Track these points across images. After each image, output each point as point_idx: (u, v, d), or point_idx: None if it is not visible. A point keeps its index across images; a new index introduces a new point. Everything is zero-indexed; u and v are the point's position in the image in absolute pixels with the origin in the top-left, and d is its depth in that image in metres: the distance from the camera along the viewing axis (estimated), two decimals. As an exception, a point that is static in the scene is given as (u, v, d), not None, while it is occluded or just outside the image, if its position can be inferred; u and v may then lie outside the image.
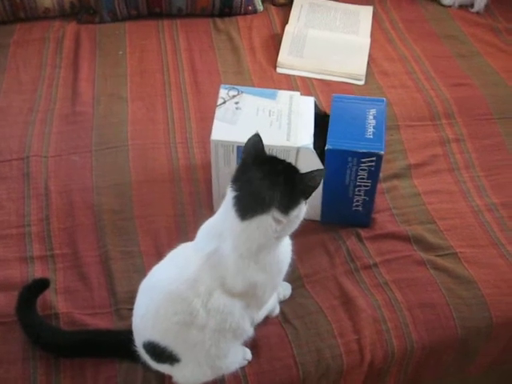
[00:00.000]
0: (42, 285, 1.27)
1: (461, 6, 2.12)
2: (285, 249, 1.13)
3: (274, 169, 1.05)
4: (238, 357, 1.18)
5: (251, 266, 1.06)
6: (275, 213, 1.02)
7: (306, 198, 1.06)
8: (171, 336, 1.09)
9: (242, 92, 1.41)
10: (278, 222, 1.03)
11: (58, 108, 1.70)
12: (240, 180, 1.06)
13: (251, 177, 1.04)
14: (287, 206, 1.03)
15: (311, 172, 1.04)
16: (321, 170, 1.06)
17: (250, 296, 1.10)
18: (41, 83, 1.77)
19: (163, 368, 1.15)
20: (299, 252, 1.31)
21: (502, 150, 1.64)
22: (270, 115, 1.36)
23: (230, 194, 1.06)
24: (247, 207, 1.04)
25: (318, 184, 1.05)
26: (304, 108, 1.40)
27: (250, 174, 1.05)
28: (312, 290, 1.33)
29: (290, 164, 1.09)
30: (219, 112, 1.37)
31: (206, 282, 1.06)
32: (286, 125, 1.34)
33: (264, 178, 1.03)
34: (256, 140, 1.08)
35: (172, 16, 2.00)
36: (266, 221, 1.03)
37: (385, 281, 1.34)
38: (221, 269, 1.07)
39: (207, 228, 1.12)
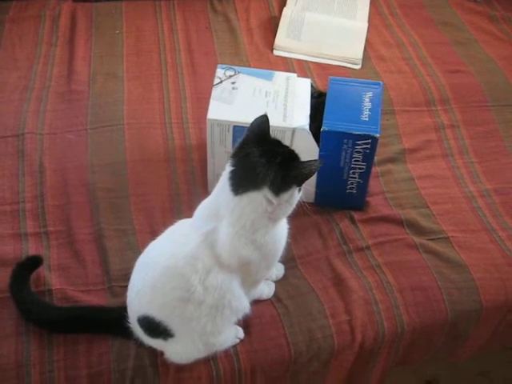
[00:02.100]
0: (35, 262, 1.27)
1: (459, -7, 2.12)
2: (281, 231, 1.13)
3: (273, 150, 1.06)
4: (231, 335, 1.19)
5: (247, 244, 1.07)
6: (266, 192, 1.03)
7: (298, 184, 1.07)
8: (167, 311, 1.10)
9: (238, 72, 1.41)
10: (268, 201, 1.04)
11: (54, 86, 1.69)
12: (238, 156, 1.07)
13: (249, 154, 1.05)
14: (278, 188, 1.04)
15: (309, 161, 1.05)
16: (318, 160, 1.07)
17: (244, 273, 1.11)
18: (36, 61, 1.76)
19: (156, 343, 1.16)
20: (293, 233, 1.32)
21: (495, 137, 1.65)
22: (266, 96, 1.36)
23: (227, 169, 1.07)
24: (241, 182, 1.05)
25: (312, 173, 1.06)
26: (300, 89, 1.40)
27: (249, 151, 1.05)
28: (305, 271, 1.33)
29: (291, 150, 1.10)
30: (216, 91, 1.37)
31: (204, 260, 1.07)
32: (282, 106, 1.34)
33: (261, 157, 1.04)
34: (263, 120, 1.09)
35: (169, -4, 1.99)
36: (257, 198, 1.04)
37: (377, 263, 1.35)
38: (218, 246, 1.07)
39: (205, 206, 1.13)
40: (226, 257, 1.07)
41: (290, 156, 1.07)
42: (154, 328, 1.11)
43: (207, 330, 1.11)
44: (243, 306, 1.15)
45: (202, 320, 1.10)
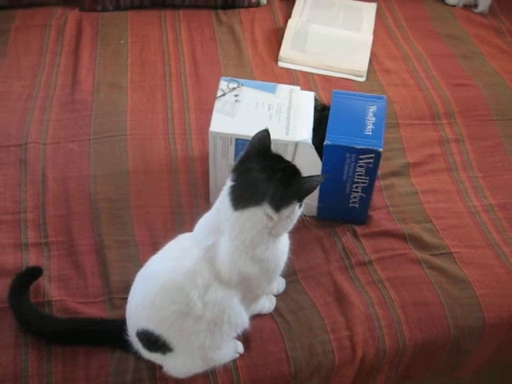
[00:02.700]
0: (34, 273, 1.27)
1: (465, 6, 2.11)
2: (282, 247, 1.13)
3: (274, 165, 1.05)
4: (230, 349, 1.18)
5: (247, 259, 1.07)
6: (267, 208, 1.03)
7: (299, 199, 1.06)
8: (166, 325, 1.09)
9: (241, 84, 1.41)
10: (268, 217, 1.04)
11: (58, 95, 1.69)
12: (239, 171, 1.06)
13: (250, 169, 1.05)
14: (279, 204, 1.03)
15: (310, 176, 1.05)
16: (319, 175, 1.06)
17: (244, 289, 1.10)
18: (41, 70, 1.76)
19: (155, 357, 1.15)
20: (294, 247, 1.32)
21: (500, 152, 1.64)
22: (269, 109, 1.36)
23: (227, 184, 1.06)
24: (241, 197, 1.04)
25: (313, 189, 1.05)
26: (304, 103, 1.39)
27: (250, 166, 1.05)
28: (306, 286, 1.32)
29: (292, 165, 1.09)
30: (218, 104, 1.37)
31: (204, 275, 1.06)
32: (285, 119, 1.34)
33: (262, 172, 1.03)
34: (264, 135, 1.09)
35: (175, 6, 1.99)
36: (257, 214, 1.03)
37: (379, 278, 1.33)
38: (218, 262, 1.07)
39: (206, 221, 1.12)
40: (225, 272, 1.07)
41: (290, 171, 1.07)
42: (153, 342, 1.10)
43: (206, 345, 1.11)
44: (243, 321, 1.15)
45: (201, 335, 1.09)
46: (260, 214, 1.03)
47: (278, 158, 1.09)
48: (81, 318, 1.23)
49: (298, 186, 1.04)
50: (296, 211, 1.07)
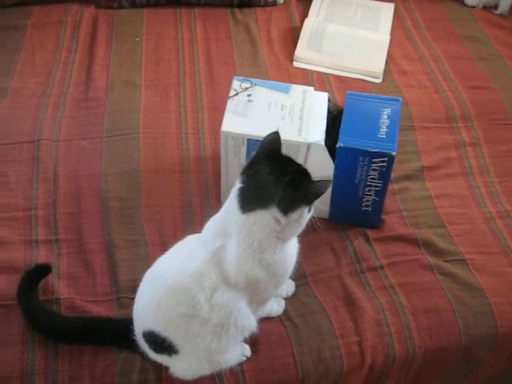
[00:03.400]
0: (43, 270, 1.26)
1: (485, 7, 2.08)
2: (290, 250, 1.11)
3: (283, 168, 1.04)
4: (237, 352, 1.17)
5: (254, 263, 1.05)
6: (274, 211, 1.01)
7: (308, 203, 1.04)
8: (172, 327, 1.08)
9: (254, 84, 1.39)
10: (276, 221, 1.02)
11: (72, 92, 1.69)
12: (248, 173, 1.05)
13: (259, 171, 1.03)
14: (287, 207, 1.02)
15: (319, 180, 1.03)
16: (329, 180, 1.05)
17: (252, 292, 1.09)
18: (55, 67, 1.76)
19: (161, 359, 1.15)
20: (305, 250, 1.30)
21: (515, 157, 1.61)
22: (282, 109, 1.34)
23: (236, 186, 1.05)
24: (249, 200, 1.03)
25: (322, 193, 1.04)
26: (317, 104, 1.38)
27: (259, 168, 1.04)
28: (316, 289, 1.31)
29: (302, 168, 1.08)
30: (231, 104, 1.35)
31: (211, 278, 1.05)
32: (298, 120, 1.32)
33: (270, 174, 1.02)
34: (274, 137, 1.07)
35: (191, 5, 1.98)
36: (265, 217, 1.02)
37: (390, 284, 1.32)
38: (225, 265, 1.05)
39: (214, 222, 1.11)
40: (233, 275, 1.06)
41: (300, 174, 1.05)
42: (159, 344, 1.10)
43: (212, 348, 1.10)
44: (250, 324, 1.13)
45: (207, 337, 1.08)
46: (268, 217, 1.02)
47: (288, 161, 1.07)
48: (88, 317, 1.23)
49: (307, 189, 1.03)
50: (305, 215, 1.05)
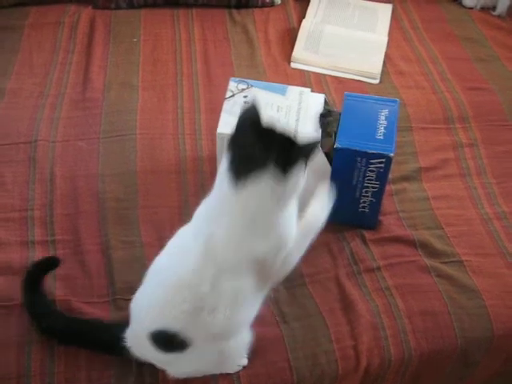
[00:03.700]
0: (51, 263, 1.24)
1: (483, 9, 2.07)
2: (290, 216, 1.05)
3: (271, 133, 0.98)
4: (244, 341, 1.15)
5: (254, 240, 1.01)
6: (273, 172, 0.95)
7: (305, 157, 0.99)
8: (183, 321, 1.05)
9: (251, 86, 1.39)
10: (276, 183, 0.96)
11: (69, 93, 1.69)
12: (234, 146, 1.00)
13: (246, 141, 0.98)
14: (286, 165, 0.96)
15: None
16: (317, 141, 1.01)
17: (259, 271, 1.05)
18: (53, 67, 1.76)
19: (167, 359, 1.12)
20: None
21: (513, 158, 1.61)
22: (278, 111, 1.34)
23: (223, 163, 1.00)
24: (242, 171, 0.97)
25: (316, 146, 1.00)
26: (313, 105, 1.37)
27: (246, 139, 0.98)
28: (313, 291, 1.31)
29: (289, 132, 1.00)
30: (227, 105, 1.35)
31: (209, 269, 1.02)
32: (294, 121, 1.32)
33: (260, 141, 0.97)
34: (252, 107, 1.01)
35: (188, 5, 1.98)
36: (263, 183, 0.96)
37: (387, 285, 1.31)
38: (222, 252, 1.02)
39: (204, 208, 1.07)
40: (232, 259, 1.02)
41: (289, 137, 0.99)
42: (170, 341, 1.07)
43: (224, 332, 1.08)
44: (258, 304, 1.11)
45: (218, 324, 1.06)
46: (266, 181, 0.96)
47: (273, 128, 1.00)
48: (83, 320, 1.22)
49: (302, 144, 0.98)
50: (301, 175, 1.00)
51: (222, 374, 1.17)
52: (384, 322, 1.25)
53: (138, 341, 1.12)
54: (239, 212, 1.00)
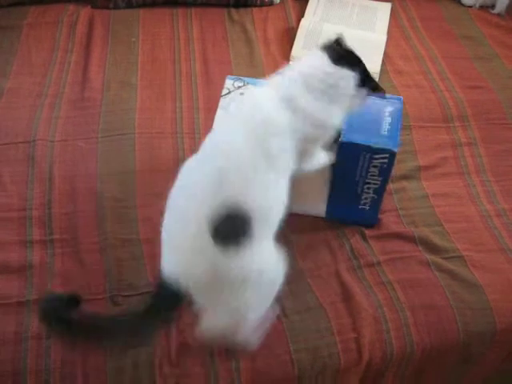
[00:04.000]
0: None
1: (482, 7, 2.07)
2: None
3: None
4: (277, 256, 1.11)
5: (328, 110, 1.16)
6: (355, 75, 1.18)
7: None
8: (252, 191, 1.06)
9: (247, 83, 1.39)
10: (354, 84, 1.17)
11: (67, 93, 1.68)
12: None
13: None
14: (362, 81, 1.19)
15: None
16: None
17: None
18: (51, 67, 1.76)
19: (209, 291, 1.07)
20: (302, 248, 1.33)
21: (512, 156, 1.61)
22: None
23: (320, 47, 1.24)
24: (342, 59, 1.20)
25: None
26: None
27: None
28: (314, 285, 1.30)
29: None
30: (223, 102, 1.35)
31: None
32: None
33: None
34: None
35: (187, 5, 1.98)
36: (349, 76, 1.18)
37: (388, 280, 1.31)
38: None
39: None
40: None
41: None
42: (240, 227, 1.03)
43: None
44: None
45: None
46: (350, 77, 1.17)
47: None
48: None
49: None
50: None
51: (222, 366, 1.17)
52: (386, 315, 1.25)
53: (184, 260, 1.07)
54: (330, 85, 1.16)
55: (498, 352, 1.31)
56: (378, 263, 1.34)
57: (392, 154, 1.28)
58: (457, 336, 1.25)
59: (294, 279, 1.28)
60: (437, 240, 1.39)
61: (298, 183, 1.34)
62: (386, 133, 1.31)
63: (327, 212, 1.40)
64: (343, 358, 1.20)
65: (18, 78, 1.73)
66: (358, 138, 1.28)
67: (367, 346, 1.21)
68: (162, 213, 1.14)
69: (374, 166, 1.30)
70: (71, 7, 1.95)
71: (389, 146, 1.28)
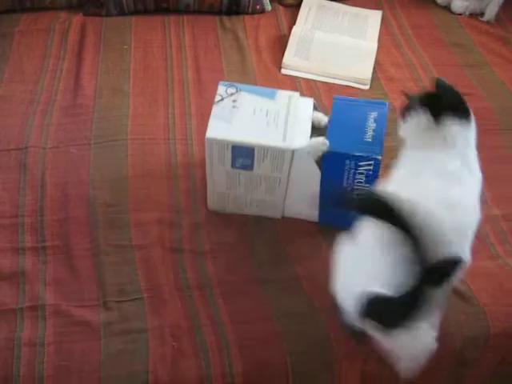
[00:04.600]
0: None
1: (471, 15, 2.09)
2: None
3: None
4: None
5: None
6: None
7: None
8: None
9: (240, 90, 1.39)
10: None
11: (60, 100, 1.69)
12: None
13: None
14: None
15: None
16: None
17: None
18: (43, 74, 1.76)
19: None
20: (296, 253, 1.34)
21: (505, 163, 1.61)
22: (267, 115, 1.34)
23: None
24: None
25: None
26: (302, 109, 1.38)
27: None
28: (309, 290, 1.30)
29: None
30: (216, 109, 1.35)
31: None
32: (283, 126, 1.32)
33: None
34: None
35: (179, 12, 1.99)
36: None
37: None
38: None
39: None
40: None
41: None
42: None
43: None
44: None
45: None
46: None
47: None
48: None
49: None
50: None
51: (217, 371, 1.17)
52: None
53: None
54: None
55: (492, 356, 1.31)
56: None
57: (377, 161, 1.29)
58: (451, 340, 1.25)
59: (289, 285, 1.30)
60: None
61: (291, 188, 1.36)
62: (370, 139, 1.32)
63: (320, 217, 1.41)
64: (338, 364, 1.21)
65: (10, 85, 1.73)
66: (342, 147, 1.29)
67: (362, 355, 1.22)
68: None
69: (360, 173, 1.31)
70: (63, 14, 1.96)
71: (373, 153, 1.29)
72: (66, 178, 1.49)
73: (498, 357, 1.32)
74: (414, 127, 1.21)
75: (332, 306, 1.15)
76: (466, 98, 1.73)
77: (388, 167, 1.48)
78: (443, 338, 1.23)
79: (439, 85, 1.25)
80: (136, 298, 1.27)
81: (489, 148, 1.61)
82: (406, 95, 1.24)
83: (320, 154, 1.29)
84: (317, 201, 1.38)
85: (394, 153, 1.52)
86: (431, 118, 1.19)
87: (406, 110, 1.23)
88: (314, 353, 1.21)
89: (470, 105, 1.73)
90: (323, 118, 1.39)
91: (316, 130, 1.35)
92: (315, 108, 1.40)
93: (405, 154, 1.23)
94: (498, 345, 1.29)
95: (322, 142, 1.29)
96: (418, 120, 1.21)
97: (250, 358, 1.19)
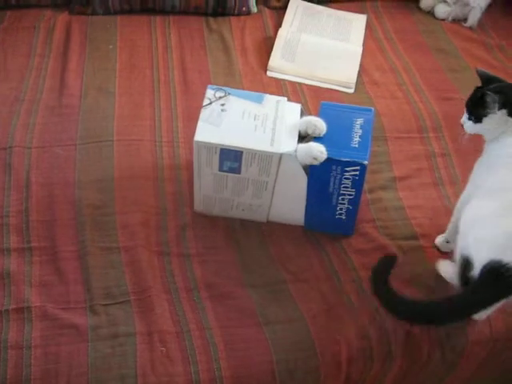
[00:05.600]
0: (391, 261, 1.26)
1: (454, 21, 2.12)
2: None
3: None
4: None
5: None
6: None
7: None
8: None
9: (228, 94, 1.40)
10: None
11: (45, 99, 1.68)
12: None
13: None
14: None
15: None
16: None
17: None
18: (28, 73, 1.75)
19: None
20: (283, 257, 1.35)
21: (487, 167, 1.64)
22: (255, 119, 1.35)
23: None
24: None
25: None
26: (290, 114, 1.39)
27: None
28: (296, 295, 1.31)
29: None
30: (204, 113, 1.36)
31: None
32: (271, 130, 1.33)
33: None
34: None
35: (165, 12, 1.98)
36: None
37: (367, 292, 1.31)
38: None
39: None
40: None
41: None
42: None
43: None
44: None
45: None
46: None
47: None
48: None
49: None
50: None
51: (204, 375, 1.17)
52: (369, 329, 1.27)
53: None
54: None
55: (472, 361, 1.33)
56: (358, 278, 1.35)
57: (363, 166, 1.31)
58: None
59: (278, 289, 1.31)
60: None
61: (278, 192, 1.37)
62: (356, 145, 1.33)
63: (305, 222, 1.42)
64: (323, 369, 1.22)
65: (-6, 83, 1.72)
66: (328, 152, 1.31)
67: (346, 359, 1.23)
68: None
69: (347, 178, 1.33)
70: (48, 13, 1.95)
71: (359, 158, 1.31)
72: (51, 179, 1.49)
73: (476, 361, 1.34)
74: (496, 121, 1.27)
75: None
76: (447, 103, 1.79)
77: (373, 172, 1.52)
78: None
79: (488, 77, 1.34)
80: (123, 301, 1.27)
81: (469, 152, 1.64)
82: (484, 93, 1.26)
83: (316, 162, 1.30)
84: (303, 205, 1.39)
85: (376, 158, 1.56)
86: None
87: (480, 106, 1.28)
88: (300, 356, 1.22)
89: (453, 109, 1.77)
90: (322, 128, 1.37)
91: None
92: (302, 113, 1.41)
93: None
94: (475, 351, 1.31)
95: (320, 150, 1.30)
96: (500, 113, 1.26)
97: (238, 362, 1.20)
